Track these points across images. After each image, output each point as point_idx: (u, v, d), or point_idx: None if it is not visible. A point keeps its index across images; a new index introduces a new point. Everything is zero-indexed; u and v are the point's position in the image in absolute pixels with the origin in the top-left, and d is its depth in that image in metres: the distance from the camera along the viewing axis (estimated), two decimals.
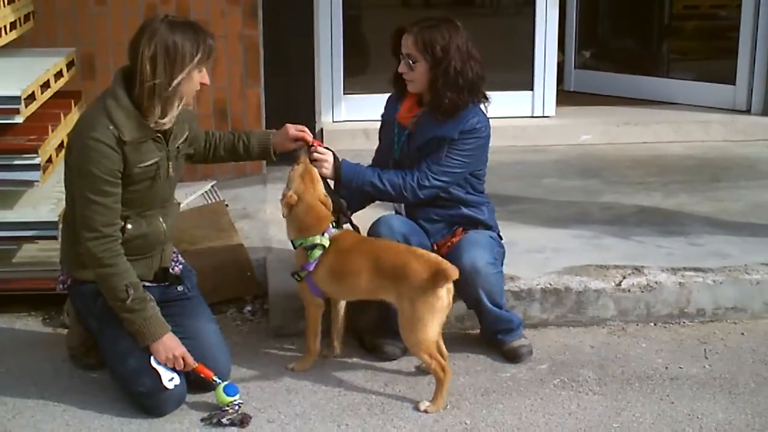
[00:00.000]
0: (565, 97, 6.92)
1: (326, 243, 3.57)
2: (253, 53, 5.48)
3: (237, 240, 4.57)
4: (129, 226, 3.39)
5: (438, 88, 3.64)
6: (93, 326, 3.51)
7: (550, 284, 4.08)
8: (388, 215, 3.81)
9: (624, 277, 4.12)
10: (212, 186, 5.38)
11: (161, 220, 3.52)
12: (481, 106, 3.74)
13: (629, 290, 4.08)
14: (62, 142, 4.45)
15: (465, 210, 3.80)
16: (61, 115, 4.51)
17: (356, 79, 6.38)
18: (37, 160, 4.04)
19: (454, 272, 3.37)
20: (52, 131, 4.30)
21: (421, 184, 3.68)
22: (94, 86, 5.22)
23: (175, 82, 3.28)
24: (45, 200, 4.25)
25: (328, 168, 3.68)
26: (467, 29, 3.76)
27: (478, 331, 3.96)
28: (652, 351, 3.87)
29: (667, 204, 5.04)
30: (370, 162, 3.96)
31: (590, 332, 4.05)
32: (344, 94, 6.29)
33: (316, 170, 3.64)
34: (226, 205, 5.05)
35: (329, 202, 3.63)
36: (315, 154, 3.66)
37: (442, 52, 3.61)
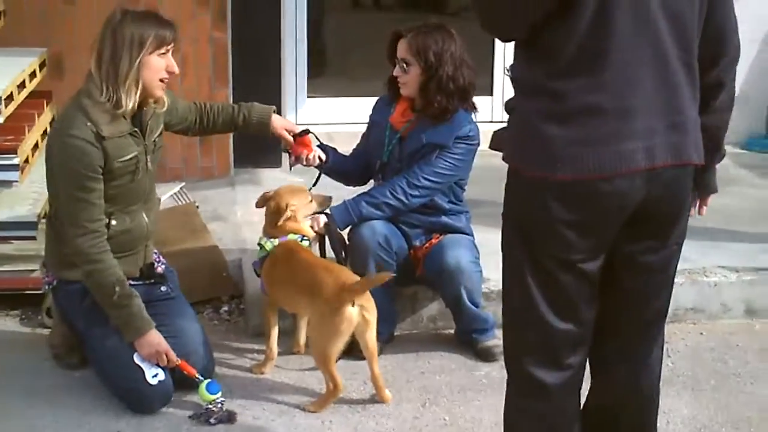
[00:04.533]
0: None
1: (267, 246, 3.70)
2: (222, 56, 5.54)
3: (211, 241, 4.63)
4: (113, 222, 3.46)
5: (429, 92, 3.77)
6: (80, 326, 3.57)
7: None
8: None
9: None
10: (181, 188, 5.42)
11: (144, 215, 3.60)
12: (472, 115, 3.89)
13: None
14: (36, 143, 4.49)
15: (445, 218, 3.94)
16: (36, 115, 4.55)
17: (319, 82, 6.47)
18: (15, 161, 4.08)
19: (362, 289, 3.42)
20: (29, 131, 4.34)
21: (411, 183, 3.79)
22: (62, 86, 5.22)
23: (125, 65, 3.34)
24: (21, 200, 4.28)
25: (319, 224, 3.80)
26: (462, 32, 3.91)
27: (450, 331, 4.09)
28: None
29: None
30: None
31: None
32: (308, 97, 6.37)
33: (305, 190, 3.77)
34: (197, 207, 5.10)
35: (299, 216, 3.74)
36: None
37: (434, 57, 3.74)
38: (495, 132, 2.56)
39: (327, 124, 6.11)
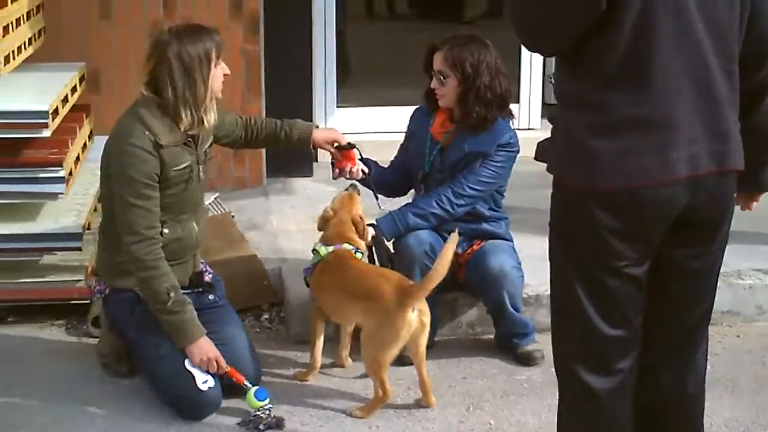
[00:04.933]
0: (547, 109, 7.12)
1: (322, 251, 3.75)
2: (255, 68, 5.62)
3: (249, 250, 4.70)
4: (165, 230, 3.54)
5: (467, 103, 3.83)
6: (131, 334, 3.64)
7: None
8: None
9: None
10: (215, 198, 5.49)
11: (194, 224, 3.69)
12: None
13: None
14: (78, 156, 4.57)
15: (486, 225, 4.01)
16: (77, 128, 4.63)
17: (349, 92, 6.54)
18: (61, 173, 4.16)
19: (424, 293, 3.46)
20: (71, 144, 4.42)
21: (456, 193, 3.86)
22: (99, 100, 5.34)
23: (201, 88, 3.46)
24: (66, 212, 4.37)
25: (367, 238, 3.85)
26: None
27: (489, 336, 4.14)
28: None
29: None
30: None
31: None
32: (337, 107, 6.44)
33: (357, 196, 3.85)
34: (233, 217, 5.17)
35: (362, 224, 3.81)
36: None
37: (471, 68, 3.80)
38: (539, 143, 2.62)
39: (356, 134, 6.19)
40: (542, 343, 4.04)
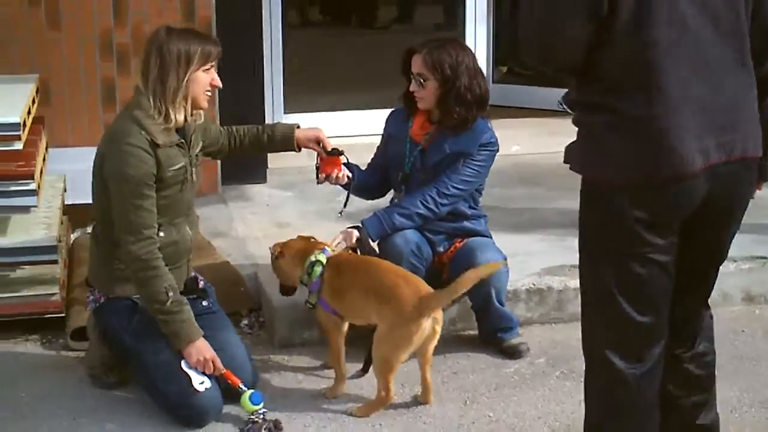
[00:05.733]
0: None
1: (323, 259, 3.74)
2: None
3: (220, 257, 4.68)
4: (161, 233, 3.52)
5: (448, 105, 3.87)
6: (128, 342, 3.58)
7: (534, 284, 4.36)
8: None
9: None
10: None
11: (188, 228, 3.67)
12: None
13: None
14: (41, 169, 4.48)
15: (466, 223, 4.06)
16: (38, 140, 4.54)
17: (295, 99, 6.56)
18: (32, 186, 4.08)
19: (443, 303, 3.52)
20: (38, 156, 4.34)
21: (441, 192, 3.90)
22: (51, 111, 5.25)
23: (173, 82, 3.45)
24: (34, 225, 4.28)
25: (352, 239, 3.88)
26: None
27: (470, 332, 4.20)
28: None
29: None
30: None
31: (572, 328, 4.28)
32: (284, 113, 6.44)
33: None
34: None
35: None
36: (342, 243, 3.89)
37: (450, 70, 3.85)
38: (567, 147, 2.71)
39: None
40: (525, 336, 4.14)
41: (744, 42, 2.59)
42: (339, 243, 3.88)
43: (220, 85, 3.58)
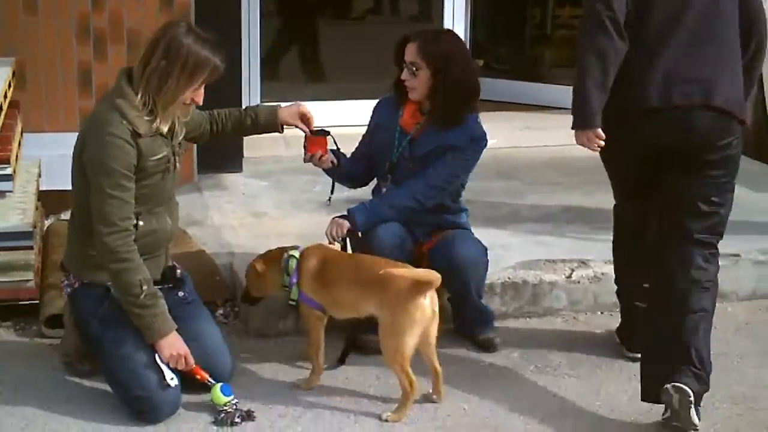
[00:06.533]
0: None
1: (296, 253, 3.73)
2: None
3: (195, 246, 4.66)
4: (141, 222, 3.48)
5: (438, 96, 3.85)
6: (94, 329, 3.55)
7: (509, 278, 4.38)
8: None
9: (573, 270, 4.47)
10: None
11: (167, 217, 3.63)
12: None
13: (579, 282, 4.43)
14: (16, 154, 4.45)
15: (449, 216, 4.06)
16: (13, 125, 4.51)
17: (273, 86, 6.54)
18: (8, 170, 4.07)
19: (437, 279, 3.49)
20: (13, 141, 4.31)
21: (429, 185, 3.89)
22: (26, 96, 5.21)
23: (171, 87, 3.39)
24: (9, 210, 4.24)
25: (343, 230, 3.86)
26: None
27: (445, 325, 4.19)
28: (607, 337, 4.22)
29: (588, 202, 5.42)
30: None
31: (547, 322, 4.38)
32: (261, 102, 6.41)
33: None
34: None
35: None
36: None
37: (443, 60, 3.83)
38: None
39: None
40: (500, 330, 4.16)
41: (729, 14, 3.50)
42: (335, 231, 3.87)
43: (200, 104, 3.52)
